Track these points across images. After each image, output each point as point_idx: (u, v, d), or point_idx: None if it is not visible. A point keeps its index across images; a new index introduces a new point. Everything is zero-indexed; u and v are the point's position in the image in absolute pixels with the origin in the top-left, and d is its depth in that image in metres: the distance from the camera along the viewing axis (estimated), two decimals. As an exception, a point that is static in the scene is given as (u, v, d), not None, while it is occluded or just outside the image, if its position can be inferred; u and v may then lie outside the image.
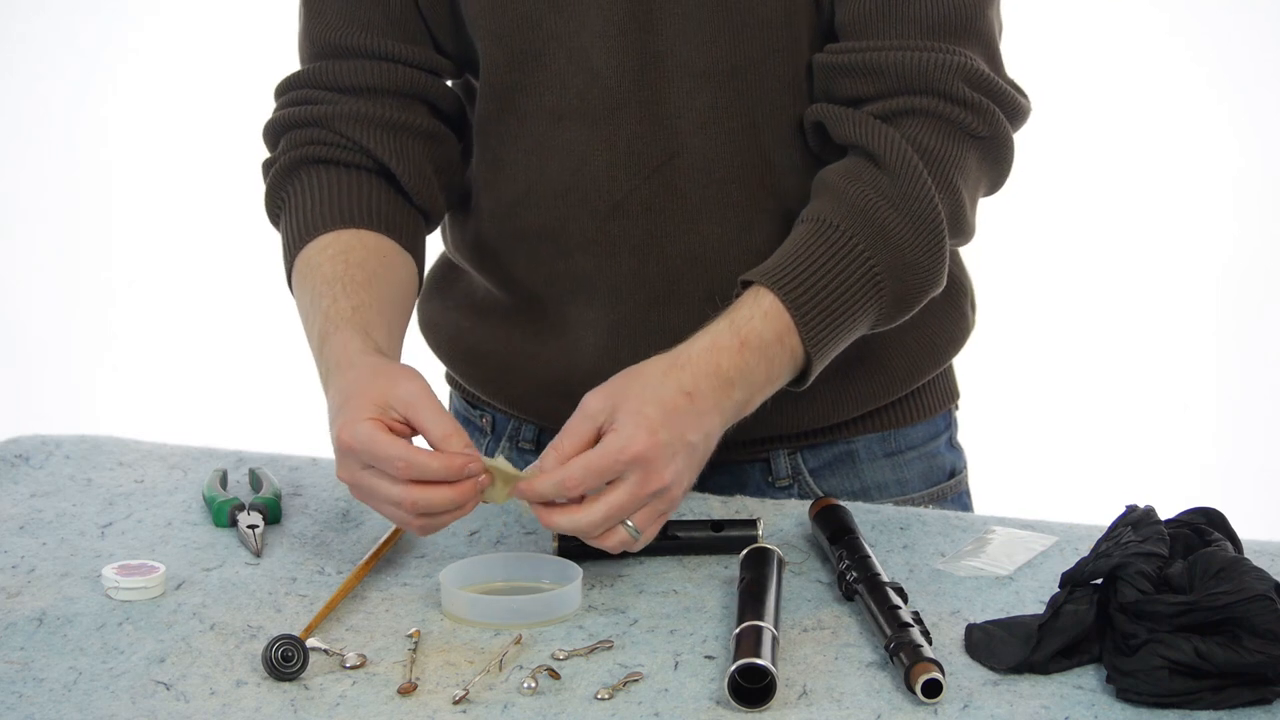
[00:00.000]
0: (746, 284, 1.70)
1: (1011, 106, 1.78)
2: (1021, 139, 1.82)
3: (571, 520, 1.59)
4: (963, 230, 1.78)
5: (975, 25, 1.77)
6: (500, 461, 1.62)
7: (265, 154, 1.92)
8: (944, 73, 1.74)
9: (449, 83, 1.93)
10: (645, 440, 1.57)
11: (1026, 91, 1.81)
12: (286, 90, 1.90)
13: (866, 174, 1.73)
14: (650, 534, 1.62)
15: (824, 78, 1.79)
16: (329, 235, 1.82)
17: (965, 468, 2.03)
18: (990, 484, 2.22)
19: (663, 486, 1.59)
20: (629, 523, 1.60)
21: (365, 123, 1.86)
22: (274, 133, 1.90)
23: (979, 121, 1.75)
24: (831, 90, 1.79)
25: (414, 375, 1.64)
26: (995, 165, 1.80)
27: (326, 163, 1.87)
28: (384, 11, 1.86)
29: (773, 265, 1.70)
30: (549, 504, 1.60)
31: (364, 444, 1.59)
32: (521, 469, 1.62)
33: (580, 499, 1.59)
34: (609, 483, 1.58)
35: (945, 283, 1.77)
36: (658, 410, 1.59)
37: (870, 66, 1.75)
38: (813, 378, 1.71)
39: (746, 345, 1.66)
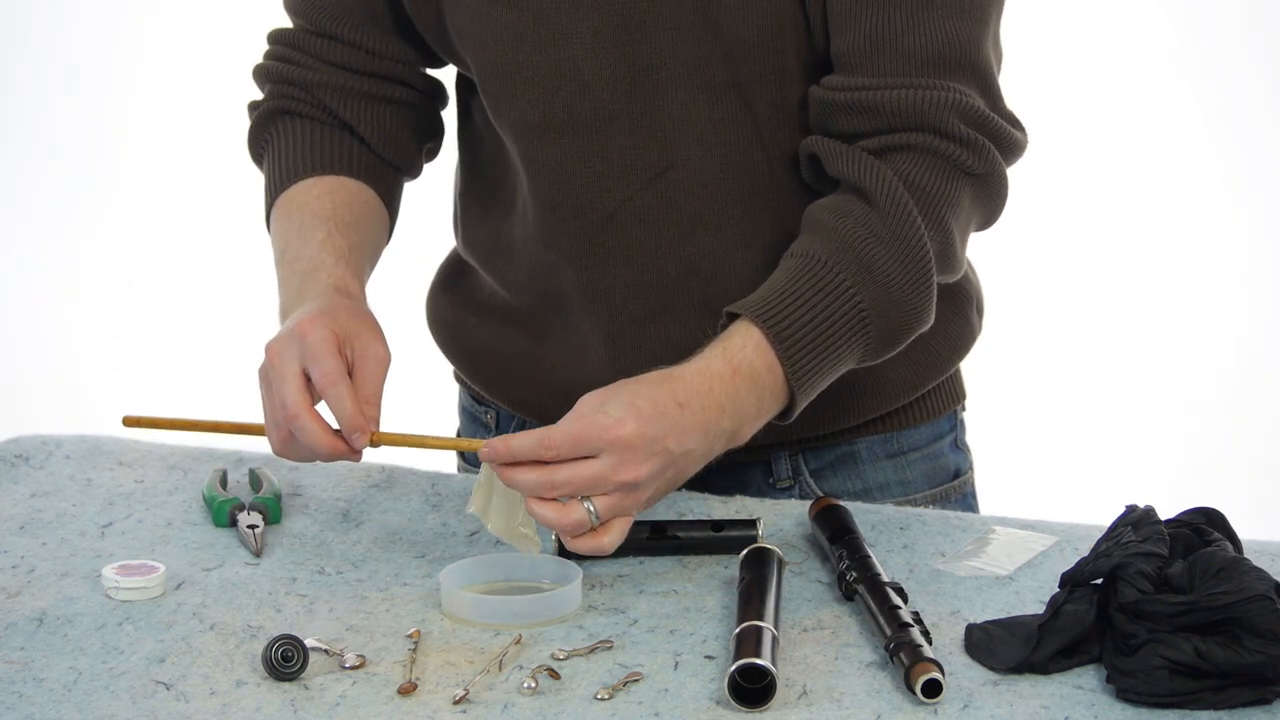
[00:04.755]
0: (733, 315, 1.70)
1: (1007, 142, 1.76)
2: (1032, 142, 1.81)
3: (533, 477, 1.58)
4: (951, 267, 1.76)
5: (970, 59, 1.74)
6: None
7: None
8: (939, 110, 1.72)
9: (431, 71, 1.97)
10: (633, 426, 1.58)
11: (1024, 125, 1.78)
12: (276, 43, 1.97)
13: (856, 210, 1.72)
14: (613, 536, 1.60)
15: (819, 113, 1.77)
16: (314, 178, 1.89)
17: (971, 469, 2.02)
18: (994, 484, 2.22)
19: (635, 480, 1.59)
20: (591, 507, 1.59)
21: (343, 93, 1.92)
22: (261, 78, 1.98)
23: (974, 158, 1.73)
24: (828, 125, 1.77)
25: (386, 352, 1.70)
26: (988, 202, 1.78)
27: (306, 118, 1.93)
28: (366, 10, 1.91)
29: (759, 299, 1.69)
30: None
31: (298, 349, 1.65)
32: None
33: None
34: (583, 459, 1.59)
35: (933, 320, 1.76)
36: (650, 405, 1.60)
37: (865, 105, 1.73)
38: (796, 413, 1.71)
39: (738, 373, 1.65)
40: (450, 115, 2.00)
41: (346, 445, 1.66)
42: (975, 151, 1.73)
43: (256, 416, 1.72)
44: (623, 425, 1.58)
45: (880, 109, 1.73)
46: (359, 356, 1.68)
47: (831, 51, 1.77)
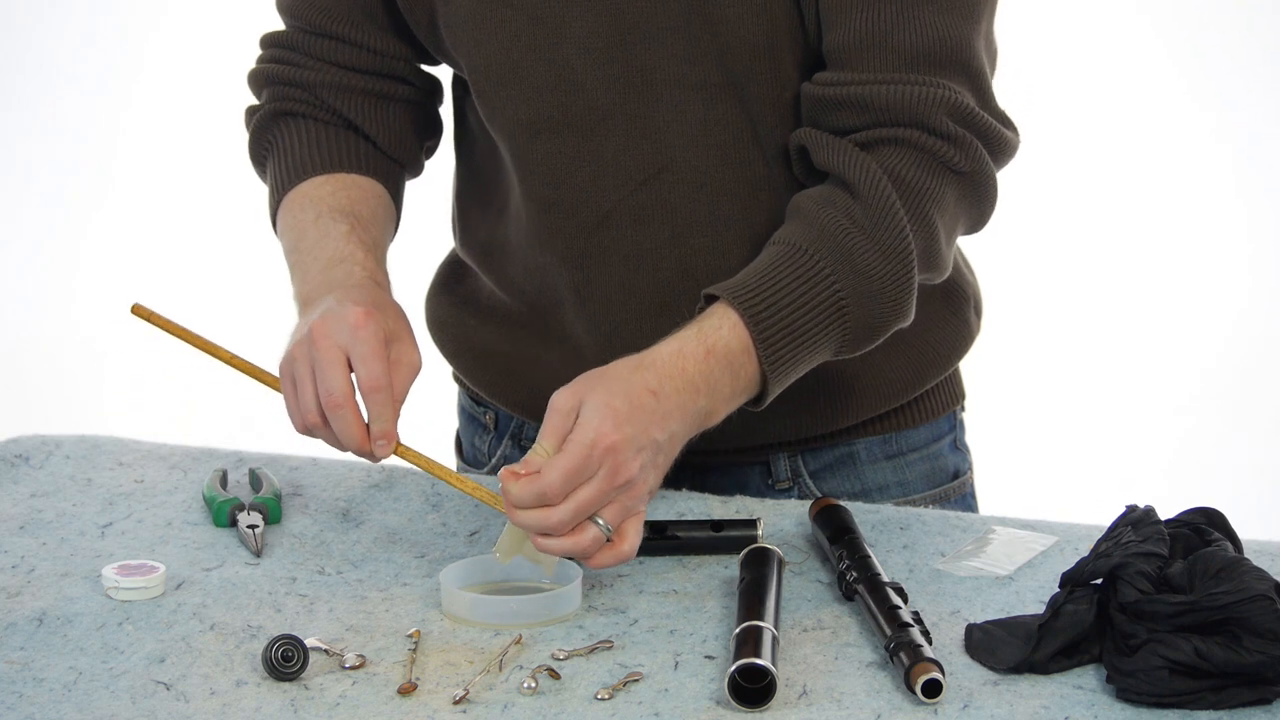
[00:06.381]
0: (711, 298, 1.69)
1: (997, 142, 1.75)
2: (1028, 142, 1.80)
3: (540, 519, 1.58)
4: (935, 265, 1.75)
5: (961, 57, 1.74)
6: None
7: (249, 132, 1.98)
8: (928, 105, 1.71)
9: (427, 68, 1.97)
10: (612, 434, 1.57)
11: (1016, 125, 1.78)
12: (271, 45, 1.96)
13: (840, 200, 1.71)
14: (631, 540, 1.60)
15: (811, 109, 1.77)
16: (324, 175, 1.89)
17: (970, 469, 2.02)
18: (993, 484, 2.22)
19: (629, 479, 1.58)
20: (600, 520, 1.59)
21: (345, 91, 1.92)
22: (257, 82, 1.96)
23: (960, 155, 1.73)
24: (819, 121, 1.77)
25: (419, 360, 1.71)
26: (976, 204, 1.77)
27: (309, 118, 1.93)
28: (364, 9, 1.90)
29: (738, 282, 1.68)
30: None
31: (348, 339, 1.65)
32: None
33: None
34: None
35: (913, 316, 1.74)
36: (624, 403, 1.59)
37: (855, 100, 1.73)
38: (769, 399, 1.70)
39: (712, 354, 1.65)
40: (447, 116, 2.00)
41: (369, 447, 1.66)
42: (962, 149, 1.73)
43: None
44: (604, 436, 1.57)
45: (870, 104, 1.73)
46: (395, 361, 1.69)
47: (823, 47, 1.76)
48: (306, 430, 1.69)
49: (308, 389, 1.67)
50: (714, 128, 1.79)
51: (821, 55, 1.78)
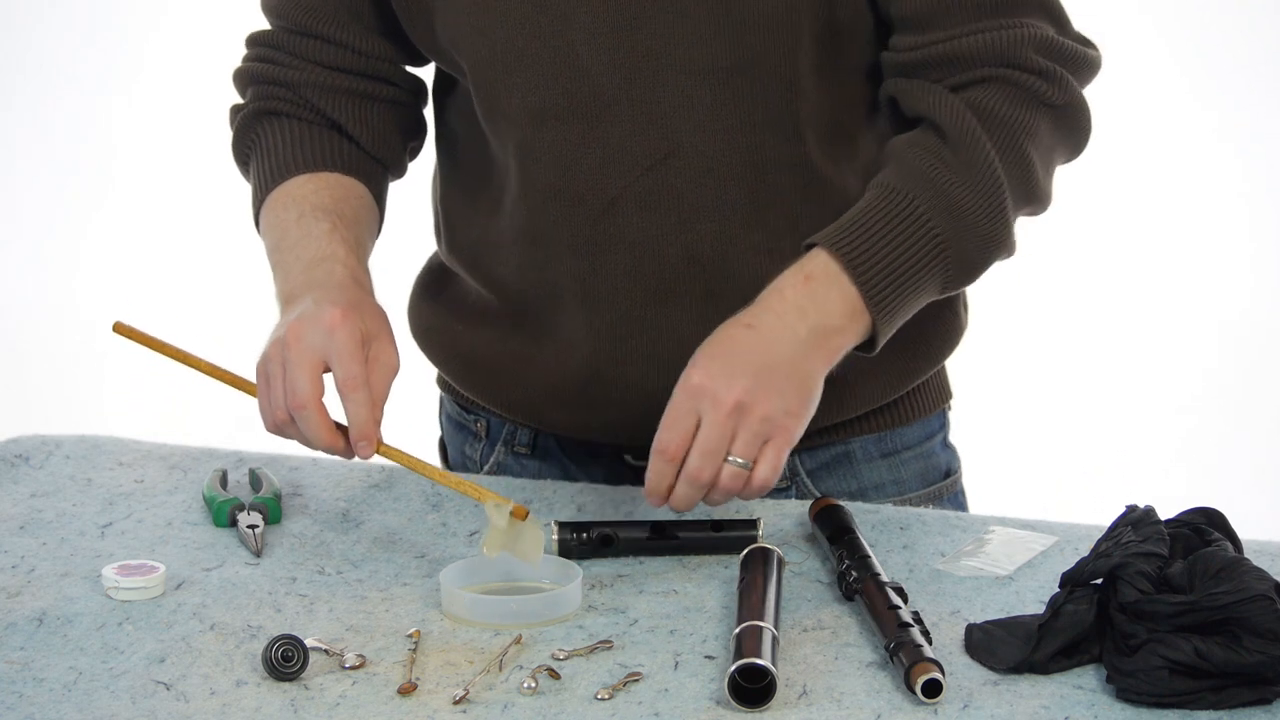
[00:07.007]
0: (809, 248, 1.72)
1: (1083, 65, 1.79)
2: (1102, 60, 1.82)
3: (683, 483, 1.63)
4: (1034, 197, 1.78)
5: None
6: (493, 510, 1.64)
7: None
8: (1014, 45, 1.75)
9: (412, 69, 1.98)
10: (698, 373, 1.63)
11: (1094, 42, 1.81)
12: (256, 45, 1.96)
13: (928, 141, 1.75)
14: (769, 466, 1.64)
15: (895, 74, 1.80)
16: (307, 174, 1.90)
17: (959, 467, 2.03)
18: (987, 484, 2.22)
19: (737, 403, 1.62)
20: (732, 457, 1.62)
21: (329, 91, 1.93)
22: (242, 81, 1.98)
23: (1052, 89, 1.76)
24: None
25: (398, 360, 1.73)
26: (1071, 133, 1.80)
27: (293, 117, 1.94)
28: (350, 9, 1.91)
29: (832, 229, 1.71)
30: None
31: (323, 341, 1.67)
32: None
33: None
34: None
35: (1015, 249, 1.77)
36: (717, 346, 1.66)
37: (941, 57, 1.76)
38: (882, 343, 1.72)
39: (813, 278, 1.69)
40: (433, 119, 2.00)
41: (344, 444, 1.67)
42: (1053, 82, 1.76)
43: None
44: (690, 376, 1.64)
45: (958, 58, 1.76)
46: (372, 360, 1.70)
47: (894, 17, 1.79)
48: (276, 428, 1.70)
49: (278, 388, 1.68)
50: (721, 112, 1.80)
51: (842, 26, 1.80)
